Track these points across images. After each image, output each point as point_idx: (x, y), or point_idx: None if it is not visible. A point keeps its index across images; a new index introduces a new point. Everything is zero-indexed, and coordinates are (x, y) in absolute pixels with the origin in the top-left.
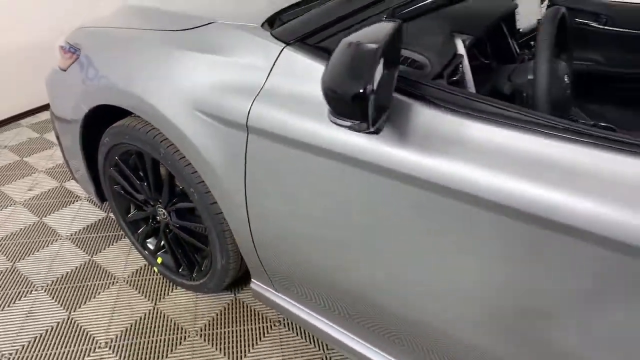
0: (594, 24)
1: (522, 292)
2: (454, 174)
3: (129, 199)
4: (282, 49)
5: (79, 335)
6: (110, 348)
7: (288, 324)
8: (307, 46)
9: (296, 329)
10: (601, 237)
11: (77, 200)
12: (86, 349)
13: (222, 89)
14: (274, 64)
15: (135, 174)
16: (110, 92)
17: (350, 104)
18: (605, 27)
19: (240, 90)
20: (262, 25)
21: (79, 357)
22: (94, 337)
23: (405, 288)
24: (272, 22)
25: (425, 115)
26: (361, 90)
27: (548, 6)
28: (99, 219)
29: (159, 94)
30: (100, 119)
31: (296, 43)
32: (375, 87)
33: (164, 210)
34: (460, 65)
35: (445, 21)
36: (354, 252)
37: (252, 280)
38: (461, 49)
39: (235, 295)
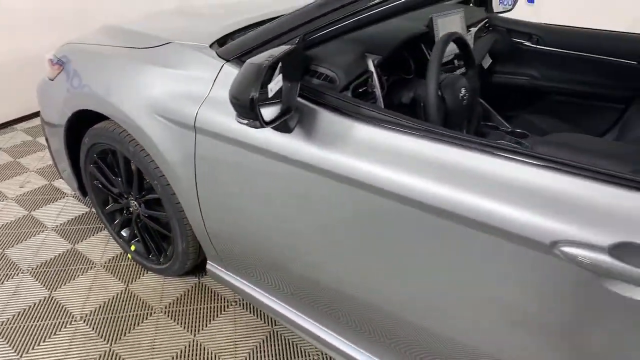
0: (527, 43)
1: (387, 255)
2: (345, 164)
3: (106, 192)
4: (223, 65)
5: (58, 310)
6: (84, 321)
7: (243, 303)
8: (241, 62)
9: (249, 308)
10: (447, 212)
11: (63, 197)
12: (64, 321)
13: (176, 97)
14: (216, 77)
15: (111, 170)
16: (90, 99)
17: (246, 107)
18: (537, 46)
19: (190, 98)
20: (211, 45)
21: (57, 329)
22: (71, 312)
23: (328, 263)
24: (220, 43)
25: (326, 119)
26: (250, 97)
27: (487, 28)
28: (82, 213)
29: (128, 101)
30: (82, 123)
31: (234, 60)
32: (269, 94)
33: (135, 202)
34: (370, 80)
35: (359, 43)
36: (284, 234)
37: (208, 261)
38: (371, 66)
39: (199, 279)
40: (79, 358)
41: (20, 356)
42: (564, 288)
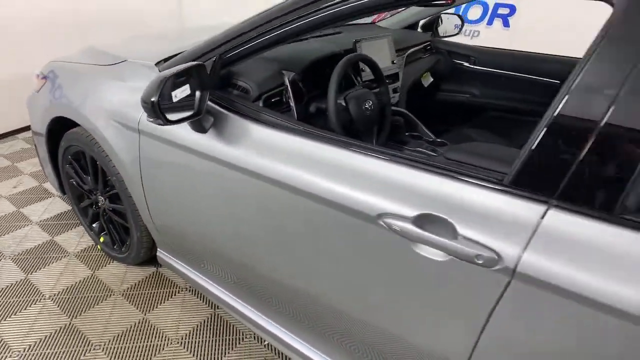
0: (466, 64)
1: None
2: (246, 159)
3: (79, 189)
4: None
5: (31, 290)
6: (52, 300)
7: (193, 290)
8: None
9: (197, 294)
10: (319, 197)
11: (50, 197)
12: (34, 299)
13: (126, 105)
14: None
15: (82, 169)
16: (66, 108)
17: (149, 109)
18: (475, 67)
19: (136, 105)
20: (157, 63)
21: (28, 305)
22: (41, 292)
23: (246, 249)
24: (165, 61)
25: (233, 122)
26: (152, 101)
27: (429, 50)
28: (65, 211)
29: (91, 109)
30: (61, 130)
31: None
32: (174, 100)
33: (101, 197)
34: (285, 92)
35: (278, 62)
36: (212, 224)
37: (158, 249)
38: (286, 81)
39: (157, 268)
40: (44, 329)
41: None
42: (387, 251)
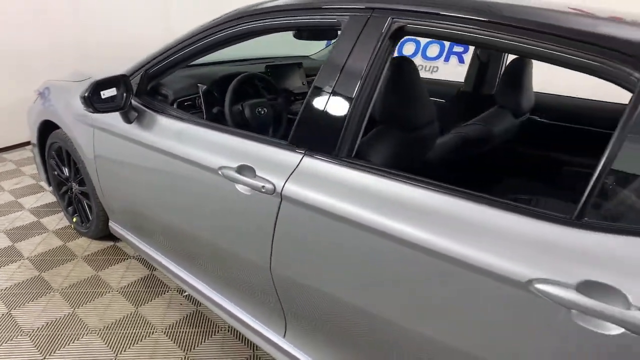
0: None
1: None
2: (159, 142)
3: (59, 178)
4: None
5: (14, 253)
6: (29, 260)
7: (139, 258)
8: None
9: (141, 260)
10: (209, 168)
11: (42, 191)
12: (14, 260)
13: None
14: None
15: (61, 162)
16: (51, 113)
17: (82, 101)
18: None
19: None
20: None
21: (10, 262)
22: (21, 254)
23: (169, 210)
24: None
25: (149, 116)
26: (82, 96)
27: None
28: (52, 201)
29: (65, 113)
30: (48, 132)
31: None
32: (102, 97)
33: (74, 183)
34: (198, 99)
35: (196, 78)
36: (141, 193)
37: (110, 221)
38: (199, 91)
39: (114, 242)
40: (18, 279)
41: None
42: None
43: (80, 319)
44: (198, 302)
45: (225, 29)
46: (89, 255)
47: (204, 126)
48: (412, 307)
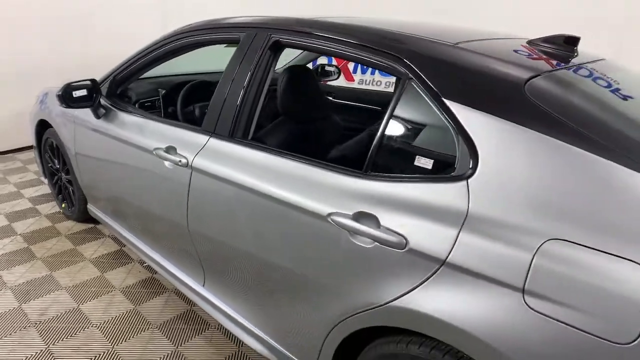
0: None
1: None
2: (119, 133)
3: (51, 169)
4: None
5: (10, 230)
6: (21, 236)
7: (112, 237)
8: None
9: (114, 239)
10: (155, 152)
11: (42, 185)
12: (8, 235)
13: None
14: None
15: (54, 154)
16: (45, 114)
17: (58, 98)
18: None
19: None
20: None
21: (5, 238)
22: (15, 231)
23: (131, 192)
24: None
25: (113, 113)
26: (57, 95)
27: None
28: (49, 192)
29: (56, 113)
30: (45, 129)
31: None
32: (74, 95)
33: (62, 173)
34: (157, 101)
35: (157, 84)
36: (107, 177)
37: (88, 204)
38: (160, 95)
39: (95, 225)
40: (8, 250)
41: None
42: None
43: (56, 280)
44: (191, 301)
45: (165, 44)
46: (71, 233)
47: (151, 119)
48: (274, 242)
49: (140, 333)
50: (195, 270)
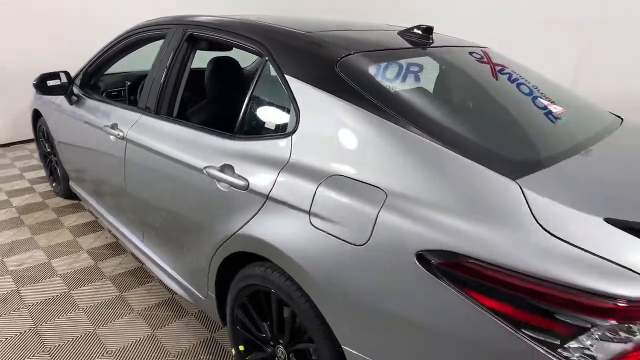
0: None
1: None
2: (87, 116)
3: (44, 152)
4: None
5: (7, 203)
6: (16, 209)
7: (96, 217)
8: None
9: (90, 211)
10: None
11: (41, 168)
12: (5, 208)
13: (52, 97)
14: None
15: (45, 139)
16: (38, 104)
17: (34, 86)
18: None
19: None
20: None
21: (2, 209)
22: (12, 204)
23: (95, 165)
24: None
25: (82, 99)
26: (33, 84)
27: None
28: (45, 176)
29: (44, 102)
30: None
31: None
32: (48, 85)
33: (52, 155)
34: (123, 90)
35: (125, 77)
36: (78, 155)
37: (70, 181)
38: (125, 85)
39: (79, 201)
40: (2, 218)
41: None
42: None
43: (35, 241)
44: (173, 291)
45: (123, 40)
46: (57, 207)
47: (110, 104)
48: (173, 194)
49: (122, 317)
50: (137, 228)
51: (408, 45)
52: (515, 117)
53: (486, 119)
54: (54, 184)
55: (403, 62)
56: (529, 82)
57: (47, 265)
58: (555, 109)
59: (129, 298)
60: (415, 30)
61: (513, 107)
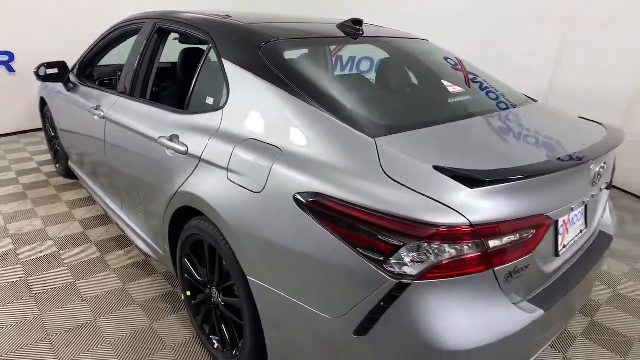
0: None
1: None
2: (79, 100)
3: (49, 135)
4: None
5: (13, 180)
6: (22, 186)
7: (89, 193)
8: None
9: (89, 193)
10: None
11: (48, 153)
12: (13, 183)
13: (55, 85)
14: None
15: (50, 124)
16: (44, 93)
17: (35, 74)
18: None
19: (59, 85)
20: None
21: (9, 185)
22: (19, 181)
23: (85, 144)
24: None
25: (79, 87)
26: (34, 72)
27: None
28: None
29: (49, 90)
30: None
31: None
32: (45, 73)
33: (55, 138)
34: (115, 80)
35: (119, 69)
36: (73, 136)
37: (69, 162)
38: (117, 75)
39: (77, 180)
40: (8, 190)
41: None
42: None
43: (35, 212)
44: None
45: (109, 34)
46: (59, 185)
47: (99, 90)
48: (137, 162)
49: (100, 273)
50: (117, 198)
51: (337, 35)
52: (397, 94)
53: (368, 94)
54: (57, 165)
55: (317, 47)
56: (433, 67)
57: (43, 231)
58: (454, 89)
59: (109, 259)
60: (348, 23)
61: (400, 85)
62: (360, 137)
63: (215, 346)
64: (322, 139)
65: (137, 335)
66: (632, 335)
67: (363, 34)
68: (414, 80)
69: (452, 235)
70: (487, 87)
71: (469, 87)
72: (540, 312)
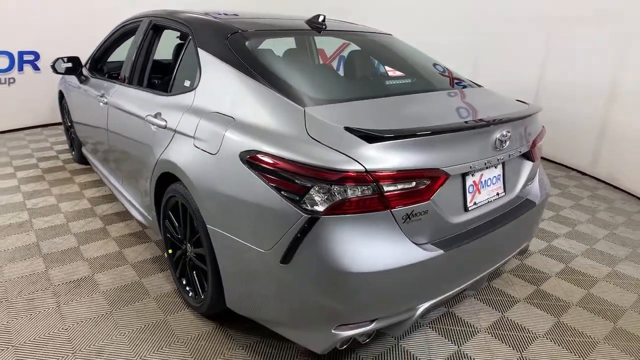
0: None
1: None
2: (91, 90)
3: (67, 127)
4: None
5: (33, 165)
6: (40, 168)
7: (99, 176)
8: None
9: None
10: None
11: (65, 144)
12: (26, 167)
13: (69, 78)
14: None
15: (67, 114)
16: (63, 86)
17: (51, 67)
18: None
19: (72, 78)
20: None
21: (17, 170)
22: (38, 166)
23: (94, 130)
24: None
25: (90, 79)
26: (51, 65)
27: None
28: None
29: (65, 83)
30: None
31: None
32: (62, 67)
33: (72, 129)
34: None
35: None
36: (84, 124)
37: (82, 148)
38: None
39: (90, 166)
40: (23, 172)
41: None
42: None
43: (51, 191)
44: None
45: (115, 32)
46: (73, 169)
47: (107, 81)
48: (130, 138)
49: (100, 240)
50: (119, 175)
51: (302, 29)
52: (337, 75)
53: (309, 75)
54: (73, 153)
55: (279, 39)
56: (384, 56)
57: (55, 206)
58: (394, 73)
59: (110, 229)
60: (314, 19)
61: (346, 68)
62: (294, 106)
63: (190, 295)
64: (264, 108)
65: (127, 287)
66: (570, 300)
67: (326, 27)
68: (361, 65)
69: (351, 178)
70: (433, 73)
71: (415, 73)
72: (439, 252)
